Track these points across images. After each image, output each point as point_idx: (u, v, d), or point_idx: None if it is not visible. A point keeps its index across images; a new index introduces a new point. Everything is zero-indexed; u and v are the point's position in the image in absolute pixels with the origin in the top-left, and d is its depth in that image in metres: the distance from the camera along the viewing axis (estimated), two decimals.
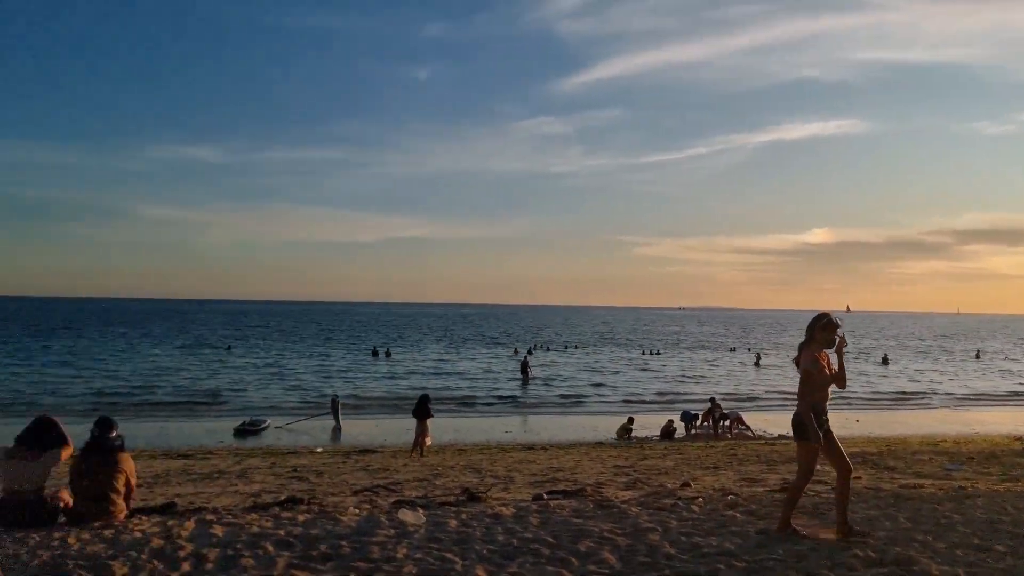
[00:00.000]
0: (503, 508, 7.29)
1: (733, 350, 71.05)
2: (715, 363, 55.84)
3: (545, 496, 8.26)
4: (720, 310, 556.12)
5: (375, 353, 57.02)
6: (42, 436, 6.79)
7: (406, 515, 6.84)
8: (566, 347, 70.41)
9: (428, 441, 16.86)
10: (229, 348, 60.78)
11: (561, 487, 9.60)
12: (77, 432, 7.18)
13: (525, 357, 46.41)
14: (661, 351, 66.47)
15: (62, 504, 6.77)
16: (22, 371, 40.39)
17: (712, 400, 25.40)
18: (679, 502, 7.51)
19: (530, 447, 18.71)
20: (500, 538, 6.08)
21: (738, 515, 6.86)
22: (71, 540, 5.95)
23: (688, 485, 9.34)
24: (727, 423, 23.89)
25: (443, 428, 21.75)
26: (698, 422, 24.32)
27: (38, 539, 6.00)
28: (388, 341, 73.33)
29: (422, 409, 17.07)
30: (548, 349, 66.46)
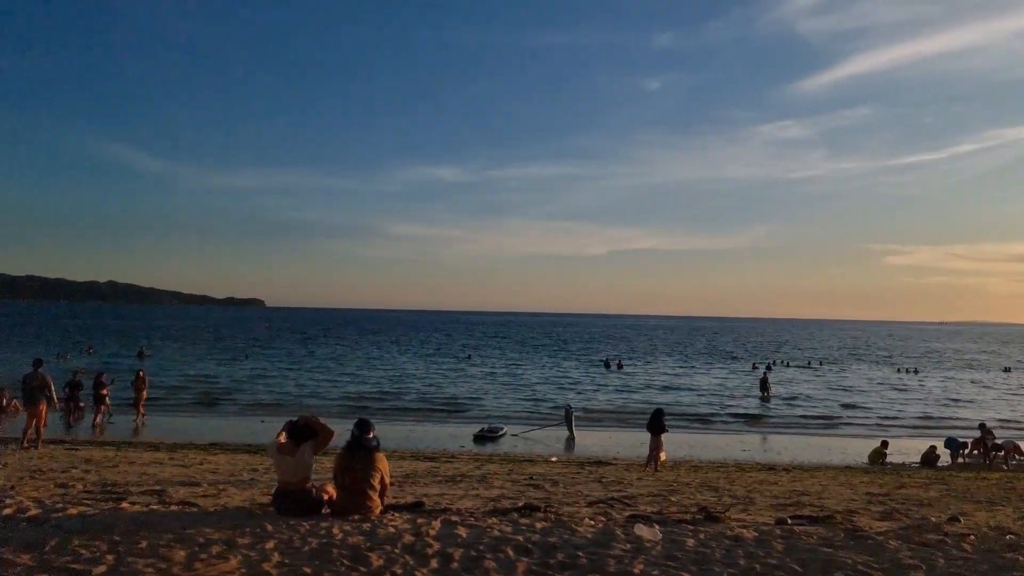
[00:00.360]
0: (743, 530, 6.96)
1: (1008, 370, 63.08)
2: (987, 385, 49.81)
3: (789, 521, 7.78)
4: (992, 325, 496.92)
5: (607, 365, 57.26)
6: (301, 432, 7.51)
7: (642, 530, 6.74)
8: (809, 363, 66.30)
9: (663, 456, 16.57)
10: (469, 357, 63.93)
11: (806, 512, 8.99)
12: (338, 432, 7.85)
13: (764, 373, 44.28)
14: (919, 370, 60.56)
15: (326, 496, 7.43)
16: (292, 375, 45.17)
17: (982, 426, 22.67)
18: (946, 538, 6.74)
19: (770, 467, 17.77)
20: (741, 562, 5.80)
21: (1021, 558, 6.02)
22: (335, 530, 6.50)
23: (957, 520, 8.36)
24: (1001, 453, 21.18)
25: (677, 443, 21.31)
26: (966, 450, 21.78)
27: (307, 527, 6.62)
28: (619, 353, 73.35)
29: (656, 423, 16.81)
30: (788, 365, 63.02)
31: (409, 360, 60.57)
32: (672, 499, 10.63)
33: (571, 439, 23.53)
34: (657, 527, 6.93)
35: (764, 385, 39.13)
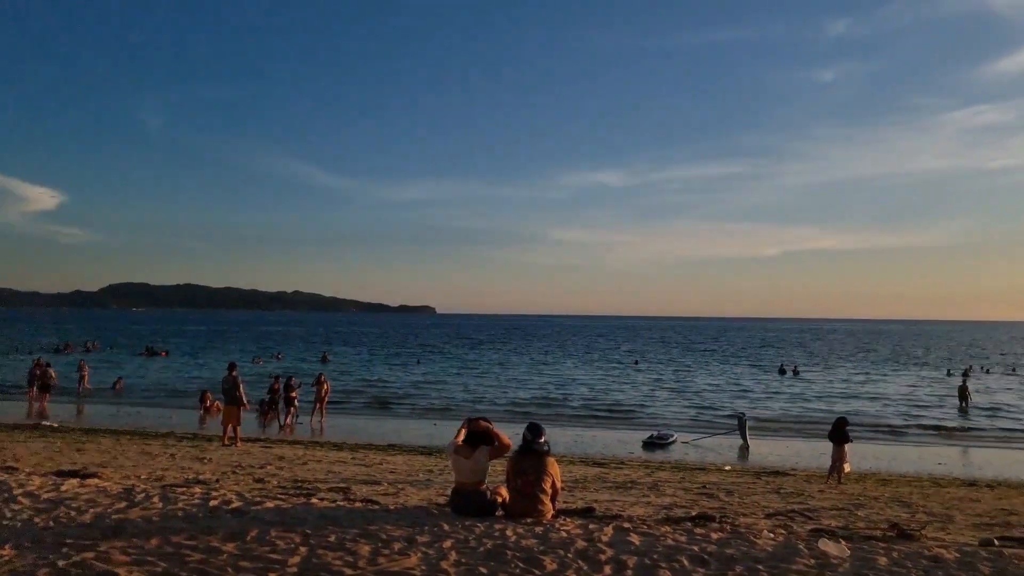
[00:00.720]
0: (943, 550, 6.40)
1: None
2: None
3: (996, 542, 7.08)
4: None
5: (782, 371, 54.79)
6: (478, 437, 7.68)
7: (828, 545, 6.36)
8: (1014, 369, 60.31)
9: (847, 468, 15.58)
10: (636, 363, 63.24)
11: (1016, 533, 8.15)
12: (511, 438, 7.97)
13: (963, 380, 40.68)
14: None
15: (499, 499, 7.56)
16: (461, 380, 46.49)
17: None
18: None
19: (971, 483, 16.27)
20: None
21: None
22: (508, 532, 6.60)
23: None
24: None
25: (862, 455, 20.00)
26: None
27: (482, 528, 6.76)
28: (795, 359, 69.98)
29: (839, 432, 15.83)
30: (988, 371, 57.62)
31: (575, 365, 60.76)
32: (859, 513, 9.99)
33: (745, 448, 22.67)
34: (844, 543, 6.52)
35: (962, 394, 35.94)
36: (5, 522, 6.53)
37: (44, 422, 23.15)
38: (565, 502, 8.79)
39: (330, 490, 9.81)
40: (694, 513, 8.58)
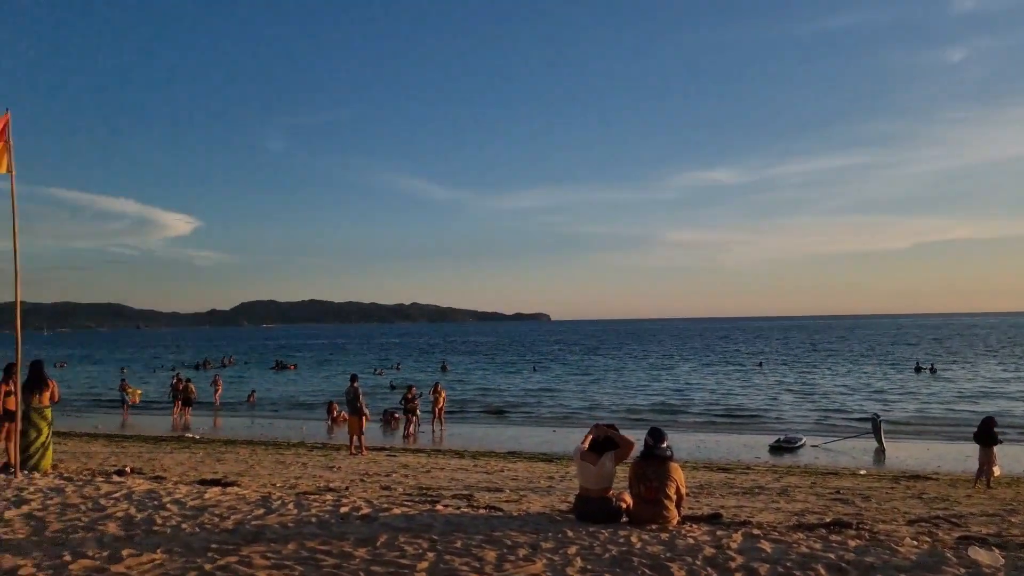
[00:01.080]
0: None
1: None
2: None
3: None
4: None
5: (919, 369, 51.86)
6: (602, 443, 7.62)
7: (978, 553, 5.94)
8: None
9: (996, 471, 14.53)
10: (760, 364, 61.32)
11: None
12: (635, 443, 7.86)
13: None
14: None
15: (624, 505, 7.47)
16: (577, 387, 46.31)
17: None
18: None
19: None
20: None
21: None
22: (633, 539, 6.50)
23: None
24: None
25: (1014, 457, 18.63)
26: None
27: (606, 535, 6.69)
28: (931, 356, 66.02)
29: (986, 433, 14.79)
30: None
31: (694, 369, 59.50)
32: (1012, 520, 9.29)
33: (881, 451, 21.54)
34: (997, 551, 6.07)
35: None
36: (156, 528, 6.96)
37: (187, 434, 24.66)
38: (690, 508, 8.59)
39: (454, 497, 9.97)
40: (828, 519, 8.21)
